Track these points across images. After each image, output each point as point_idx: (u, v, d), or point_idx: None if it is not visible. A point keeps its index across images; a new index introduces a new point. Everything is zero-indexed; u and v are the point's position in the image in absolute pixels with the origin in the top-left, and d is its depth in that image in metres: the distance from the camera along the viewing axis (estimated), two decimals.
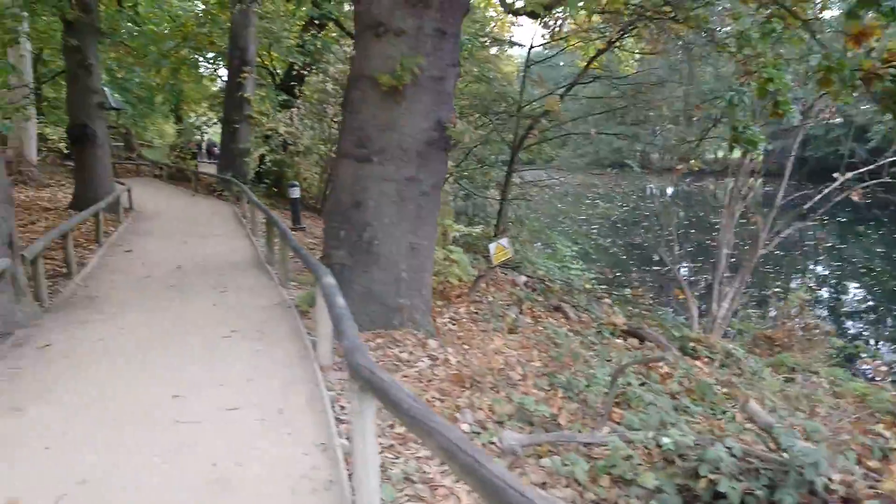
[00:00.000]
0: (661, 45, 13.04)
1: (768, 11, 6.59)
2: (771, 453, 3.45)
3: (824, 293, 18.41)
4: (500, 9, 20.19)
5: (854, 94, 5.90)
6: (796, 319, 9.57)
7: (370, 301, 6.33)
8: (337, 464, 3.62)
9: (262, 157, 19.37)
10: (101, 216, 11.38)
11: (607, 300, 10.99)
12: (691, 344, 7.88)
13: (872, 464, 3.93)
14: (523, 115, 14.70)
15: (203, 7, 23.88)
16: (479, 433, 4.28)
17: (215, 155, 30.10)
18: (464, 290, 8.85)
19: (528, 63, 15.92)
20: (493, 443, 4.14)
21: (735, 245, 9.21)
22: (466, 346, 6.43)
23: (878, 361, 9.43)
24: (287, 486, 3.43)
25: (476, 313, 8.04)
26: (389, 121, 6.19)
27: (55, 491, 3.38)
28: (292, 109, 18.05)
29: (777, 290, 16.65)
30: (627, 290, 12.02)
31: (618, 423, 4.72)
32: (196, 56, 24.39)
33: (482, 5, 18.77)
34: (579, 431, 4.50)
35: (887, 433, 4.65)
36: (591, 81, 15.20)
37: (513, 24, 22.12)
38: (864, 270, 20.55)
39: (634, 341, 8.03)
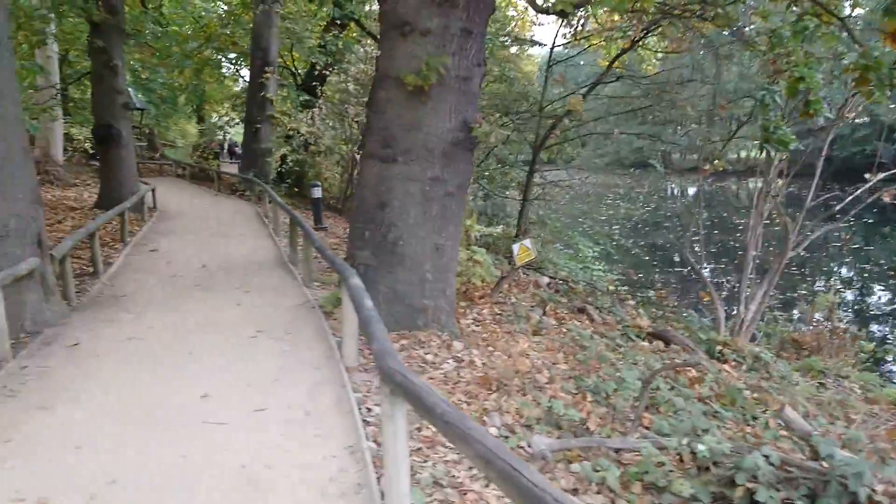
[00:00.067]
0: (686, 44, 12.90)
1: (799, 9, 6.48)
2: (809, 462, 3.36)
3: (849, 295, 18.09)
4: (521, 8, 20.17)
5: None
6: (825, 323, 9.39)
7: (394, 302, 6.31)
8: (365, 467, 3.60)
9: (283, 156, 19.45)
10: (127, 215, 11.49)
11: (631, 302, 10.88)
12: (718, 347, 7.76)
13: None
14: (545, 114, 14.61)
15: (226, 8, 24.08)
16: (507, 437, 4.24)
17: (237, 155, 30.31)
18: (486, 291, 8.80)
19: (551, 62, 15.82)
20: (521, 447, 4.09)
21: (759, 246, 9.05)
22: (491, 348, 6.38)
23: None
24: (316, 488, 3.42)
25: (499, 314, 7.99)
26: (415, 121, 6.16)
27: (85, 490, 3.39)
28: (314, 109, 18.10)
29: (803, 292, 16.40)
30: (651, 292, 11.88)
31: (647, 429, 4.65)
32: (219, 56, 24.58)
33: (503, 5, 18.70)
34: (608, 436, 4.44)
35: None
36: (614, 81, 15.06)
37: (533, 23, 22.04)
38: (891, 272, 20.17)
39: (660, 344, 7.92)
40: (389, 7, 6.28)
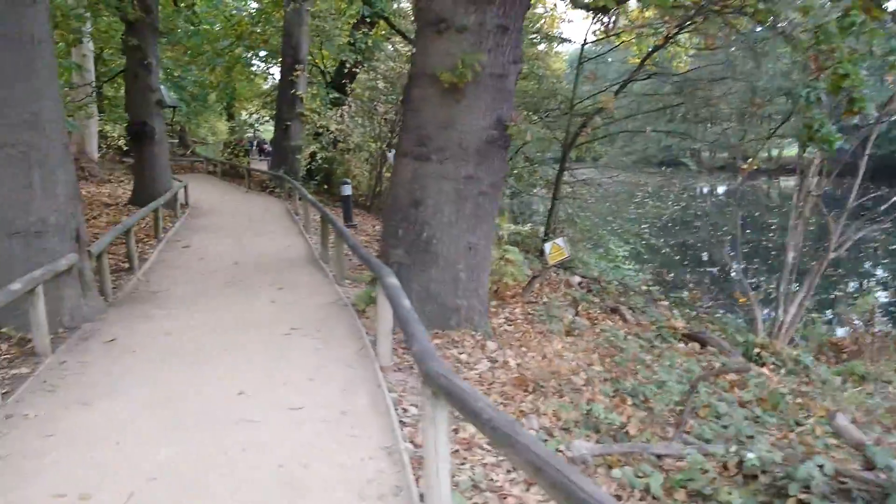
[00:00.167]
0: (721, 41, 12.64)
1: (844, 3, 6.29)
2: (865, 473, 3.25)
3: (884, 298, 17.63)
4: (550, 4, 20.00)
5: None
6: (866, 326, 9.15)
7: (427, 301, 6.27)
8: (403, 469, 3.56)
9: (313, 154, 19.55)
10: (160, 212, 11.63)
11: (664, 302, 10.71)
12: (756, 350, 7.59)
13: None
14: (576, 112, 14.45)
15: (257, 6, 24.26)
16: (545, 440, 4.17)
17: (266, 152, 30.59)
18: (517, 291, 8.72)
19: (581, 60, 15.64)
20: (560, 451, 4.03)
21: (798, 247, 8.84)
22: (525, 349, 6.32)
23: None
24: (354, 490, 3.39)
25: (532, 314, 7.92)
26: (449, 119, 6.11)
27: (126, 487, 3.40)
28: (343, 107, 18.16)
29: (839, 294, 16.04)
30: (685, 293, 11.70)
31: (687, 433, 4.55)
32: (249, 55, 24.79)
33: (533, 2, 18.55)
34: (647, 441, 4.35)
35: None
36: (646, 78, 14.83)
37: (562, 20, 21.89)
38: None
39: (695, 346, 7.78)
40: (425, 4, 6.24)
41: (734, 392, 5.56)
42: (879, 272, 20.69)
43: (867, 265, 21.13)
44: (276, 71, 26.24)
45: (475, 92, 6.03)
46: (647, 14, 15.44)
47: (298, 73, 19.33)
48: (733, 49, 13.53)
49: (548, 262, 8.48)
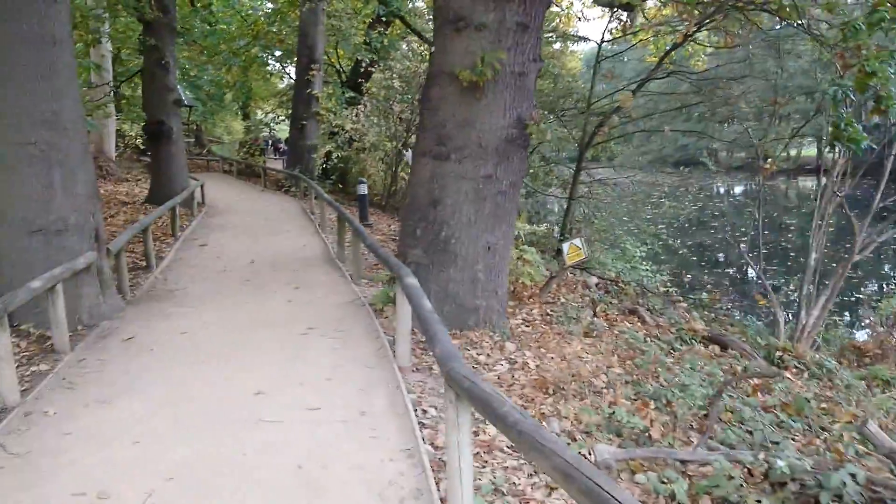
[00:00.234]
0: (740, 38, 12.48)
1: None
2: None
3: None
4: (566, 3, 19.86)
5: None
6: (890, 329, 8.97)
7: (446, 301, 6.22)
8: (424, 471, 3.51)
9: (328, 153, 19.57)
10: (178, 210, 11.68)
11: (683, 304, 10.59)
12: (778, 353, 7.47)
13: None
14: (593, 111, 14.33)
15: (273, 6, 24.34)
16: (567, 444, 4.10)
17: (281, 151, 30.68)
18: (535, 291, 8.65)
19: (599, 58, 15.52)
20: (582, 454, 3.96)
21: (821, 249, 8.68)
22: (543, 350, 6.25)
23: None
24: (375, 492, 3.34)
25: (549, 315, 7.84)
26: (469, 118, 6.05)
27: (145, 486, 3.39)
28: (358, 106, 18.15)
29: (860, 296, 15.81)
30: (704, 294, 11.56)
31: (710, 438, 4.47)
32: (265, 54, 24.86)
33: None
34: (669, 445, 4.27)
35: None
36: (665, 76, 14.68)
37: (579, 18, 21.72)
38: None
39: (716, 348, 7.67)
40: (443, 2, 6.18)
41: (757, 396, 5.46)
42: None
43: (887, 267, 20.80)
44: (291, 70, 26.35)
45: (495, 90, 5.97)
46: (664, 12, 15.32)
47: (314, 72, 19.35)
48: (752, 47, 13.35)
49: (565, 263, 8.40)
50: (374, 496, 3.31)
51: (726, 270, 20.21)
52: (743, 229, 20.39)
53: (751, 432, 4.60)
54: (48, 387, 4.74)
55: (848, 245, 17.07)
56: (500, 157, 6.14)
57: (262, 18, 23.61)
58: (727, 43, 13.82)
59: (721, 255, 22.16)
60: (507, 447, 3.92)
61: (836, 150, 7.29)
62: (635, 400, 4.95)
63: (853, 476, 3.06)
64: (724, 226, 24.07)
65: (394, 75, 17.78)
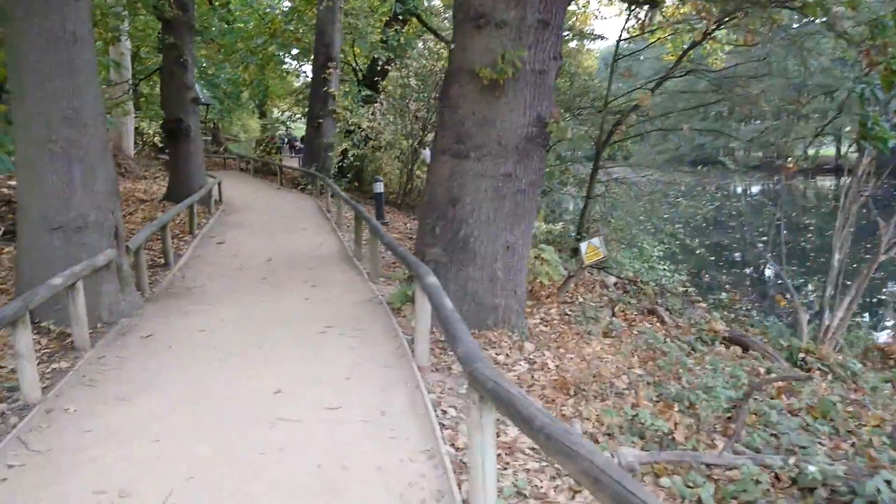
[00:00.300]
0: (759, 36, 12.32)
1: None
2: None
3: None
4: (582, 1, 19.72)
5: None
6: None
7: (464, 300, 6.17)
8: (445, 473, 3.47)
9: (344, 151, 19.58)
10: (195, 208, 11.72)
11: (702, 304, 10.47)
12: (801, 354, 7.35)
13: None
14: (610, 110, 14.23)
15: (290, 4, 24.41)
16: None
17: (297, 149, 30.79)
18: (552, 291, 8.58)
19: (616, 57, 15.40)
20: None
21: (845, 249, 8.52)
22: (563, 350, 6.18)
23: None
24: (395, 493, 3.31)
25: (567, 315, 7.78)
26: (488, 116, 6.00)
27: (165, 485, 3.37)
28: (375, 104, 18.15)
29: (881, 297, 15.58)
30: (723, 294, 11.43)
31: (736, 443, 4.38)
32: (282, 53, 24.94)
33: None
34: (693, 449, 4.20)
35: None
36: (684, 75, 14.53)
37: (595, 17, 21.58)
38: None
39: (737, 349, 7.55)
40: None
41: (781, 399, 5.36)
42: None
43: None
44: (308, 69, 26.42)
45: (515, 88, 5.92)
46: (682, 10, 15.18)
47: (331, 70, 19.37)
48: (772, 45, 13.18)
49: (584, 262, 8.32)
50: (395, 497, 3.27)
51: (744, 270, 20.01)
52: (761, 229, 20.18)
53: (776, 435, 4.51)
54: (69, 384, 4.75)
55: (869, 245, 16.82)
56: (519, 155, 6.08)
57: (280, 17, 23.70)
58: (746, 41, 13.67)
59: (738, 254, 21.95)
60: (529, 449, 3.88)
61: (862, 148, 7.14)
62: (657, 402, 4.87)
63: (888, 483, 2.99)
64: (741, 225, 23.86)
65: (410, 73, 17.75)
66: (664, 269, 12.74)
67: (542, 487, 3.47)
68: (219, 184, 16.66)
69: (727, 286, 14.07)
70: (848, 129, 20.31)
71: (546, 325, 7.24)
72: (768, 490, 3.50)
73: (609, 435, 4.28)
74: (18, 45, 5.72)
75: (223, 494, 3.30)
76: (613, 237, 14.19)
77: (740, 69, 15.01)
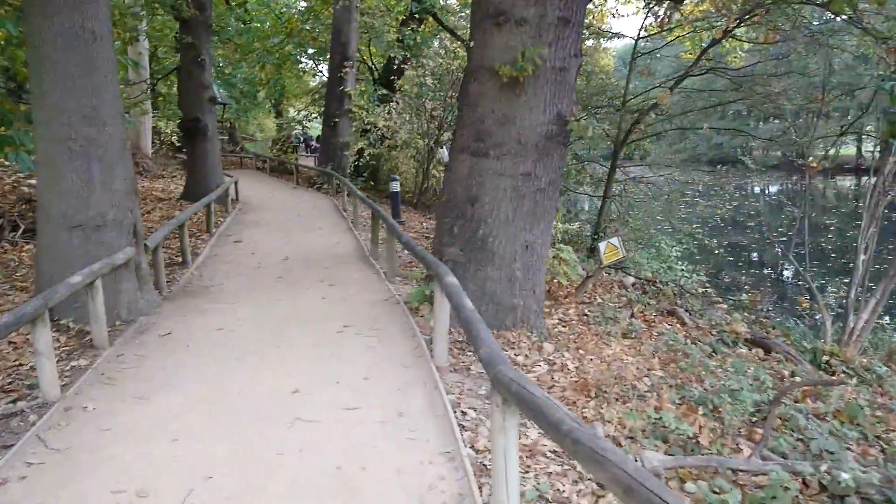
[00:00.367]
0: (785, 33, 12.14)
1: None
2: None
3: None
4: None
5: None
6: None
7: (483, 300, 6.11)
8: (466, 476, 3.42)
9: (360, 150, 19.59)
10: (213, 207, 11.75)
11: (723, 305, 10.33)
12: (825, 357, 7.22)
13: None
14: (628, 108, 14.10)
15: (306, 4, 24.47)
16: None
17: (312, 148, 30.87)
18: (570, 291, 8.50)
19: (635, 55, 15.27)
20: None
21: (870, 250, 8.34)
22: (582, 351, 6.11)
23: None
24: (415, 496, 3.26)
25: (586, 315, 7.69)
26: (508, 114, 5.93)
27: (183, 485, 3.35)
28: (390, 104, 18.12)
29: None
30: (743, 295, 11.27)
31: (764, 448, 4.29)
32: (298, 52, 25.00)
33: None
34: (718, 453, 4.11)
35: None
36: (703, 73, 14.36)
37: (612, 15, 21.41)
38: None
39: (759, 352, 7.43)
40: None
41: (807, 402, 5.25)
42: None
43: None
44: (324, 68, 26.46)
45: (535, 86, 5.85)
46: (701, 7, 15.03)
47: (347, 69, 19.39)
48: (794, 43, 12.99)
49: (602, 262, 8.22)
50: (415, 501, 3.23)
51: (763, 271, 19.77)
52: (780, 229, 19.93)
53: (802, 440, 4.41)
54: (87, 382, 4.75)
55: (892, 246, 16.53)
56: (539, 153, 6.01)
57: (296, 16, 23.75)
58: (767, 38, 13.49)
59: (756, 255, 21.70)
60: (551, 452, 3.81)
61: (889, 147, 6.99)
62: (680, 404, 4.78)
63: None
64: (759, 226, 23.61)
65: (426, 72, 17.70)
66: (682, 270, 12.59)
67: (564, 491, 3.41)
68: (235, 183, 16.72)
69: (746, 287, 13.90)
70: (869, 127, 20.01)
71: (564, 326, 7.17)
72: (797, 497, 3.41)
73: (632, 438, 4.20)
74: (39, 45, 5.73)
75: (242, 495, 3.27)
76: (631, 237, 14.06)
77: (760, 67, 14.83)
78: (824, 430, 4.25)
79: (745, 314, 9.97)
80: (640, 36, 15.16)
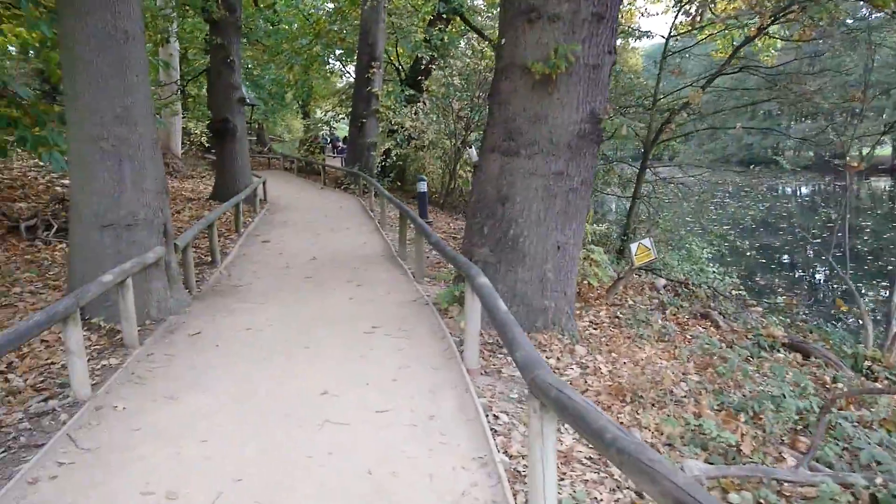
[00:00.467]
0: (823, 30, 11.85)
1: None
2: None
3: None
4: None
5: None
6: None
7: (513, 301, 6.00)
8: (500, 482, 3.32)
9: (387, 151, 19.59)
10: (241, 207, 11.80)
11: (758, 308, 10.08)
12: (866, 363, 6.98)
13: None
14: (659, 108, 13.86)
15: (333, 5, 24.58)
16: None
17: (339, 149, 31.03)
18: (601, 293, 8.36)
19: (665, 54, 15.02)
20: None
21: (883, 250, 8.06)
22: (615, 355, 5.97)
23: None
24: (448, 503, 3.17)
25: (618, 318, 7.54)
26: (540, 112, 5.82)
27: (213, 487, 3.31)
28: (417, 104, 18.09)
29: None
30: (779, 298, 10.99)
31: (803, 453, 4.13)
32: (326, 53, 25.12)
33: None
34: (760, 462, 3.96)
35: None
36: (737, 71, 14.07)
37: (641, 14, 21.15)
38: None
39: (798, 356, 7.21)
40: None
41: (851, 409, 5.05)
42: None
43: None
44: (351, 69, 26.56)
45: (568, 84, 5.72)
46: (734, 5, 14.76)
47: (374, 70, 19.39)
48: (832, 40, 12.66)
49: (634, 264, 8.06)
50: None
51: (796, 273, 19.36)
52: (814, 231, 19.46)
53: (847, 449, 4.24)
54: (118, 381, 4.75)
55: None
56: (572, 152, 5.88)
57: (324, 17, 23.86)
58: (802, 36, 13.18)
59: (787, 257, 21.26)
60: (586, 458, 3.70)
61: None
62: (719, 411, 4.63)
63: None
64: (792, 227, 23.15)
65: (453, 72, 17.63)
66: (714, 272, 12.33)
67: (602, 500, 3.29)
68: (264, 183, 16.81)
69: (780, 289, 13.58)
70: None
71: (596, 328, 7.03)
72: None
73: (670, 445, 4.07)
74: (72, 45, 5.76)
75: (271, 498, 3.21)
76: (661, 238, 13.82)
77: (795, 65, 14.49)
78: (873, 440, 4.07)
79: (781, 317, 9.71)
80: (671, 34, 14.91)
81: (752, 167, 19.80)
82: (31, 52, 10.06)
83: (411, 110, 18.05)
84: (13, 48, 10.98)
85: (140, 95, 6.10)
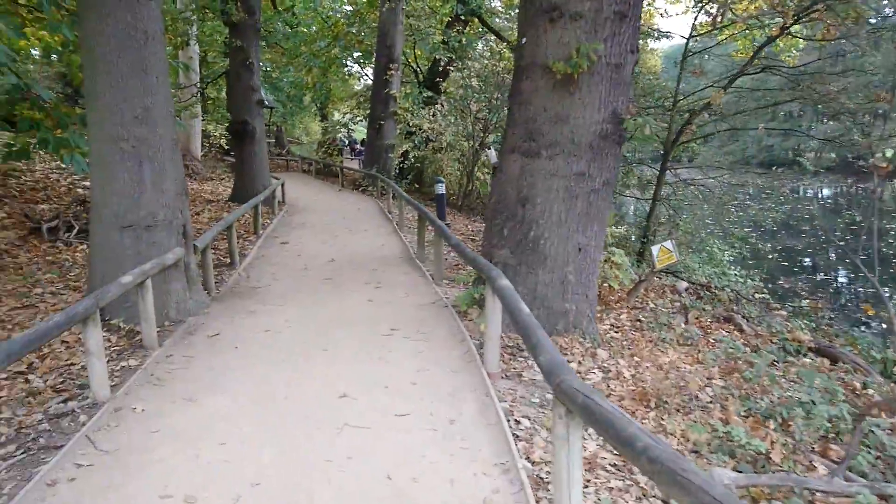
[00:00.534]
0: (848, 30, 11.63)
1: None
2: None
3: None
4: None
5: None
6: None
7: (534, 304, 5.91)
8: (522, 489, 3.25)
9: (405, 153, 19.58)
10: (260, 209, 11.82)
11: (782, 312, 9.89)
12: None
13: None
14: (679, 109, 13.71)
15: (351, 8, 24.65)
16: None
17: (356, 151, 31.11)
18: (622, 296, 8.24)
19: (686, 54, 14.86)
20: None
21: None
22: (637, 358, 5.87)
23: None
24: None
25: (639, 321, 7.43)
26: (561, 112, 5.73)
27: (231, 491, 3.27)
28: (435, 106, 18.05)
29: None
30: (804, 302, 10.79)
31: (835, 462, 4.01)
32: (344, 55, 25.19)
33: None
34: (790, 471, 3.85)
35: None
36: (759, 72, 13.88)
37: (661, 14, 20.99)
38: None
39: (825, 361, 7.05)
40: None
41: (882, 417, 4.90)
42: None
43: None
44: (369, 71, 26.60)
45: (590, 83, 5.64)
46: (755, 5, 14.58)
47: (392, 72, 19.40)
48: (857, 39, 12.44)
49: (655, 266, 7.94)
50: None
51: (820, 276, 19.05)
52: (837, 234, 19.13)
53: (881, 457, 4.11)
54: (137, 382, 4.74)
55: None
56: (593, 153, 5.80)
57: (342, 20, 23.92)
58: (824, 35, 12.97)
59: (809, 260, 20.96)
60: (610, 465, 3.61)
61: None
62: (746, 417, 4.52)
63: None
64: (814, 230, 22.82)
65: (471, 74, 17.57)
66: (736, 275, 12.15)
67: None
68: (282, 185, 16.86)
69: (803, 293, 13.34)
70: None
71: (617, 332, 6.93)
72: None
73: (696, 452, 3.97)
74: (93, 46, 5.78)
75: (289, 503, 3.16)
76: (681, 241, 13.65)
77: (818, 65, 14.27)
78: None
79: (806, 321, 9.52)
80: (692, 35, 14.74)
81: (773, 169, 19.52)
82: (54, 55, 10.17)
83: (429, 112, 18.01)
84: (36, 51, 11.11)
85: (160, 96, 6.11)
